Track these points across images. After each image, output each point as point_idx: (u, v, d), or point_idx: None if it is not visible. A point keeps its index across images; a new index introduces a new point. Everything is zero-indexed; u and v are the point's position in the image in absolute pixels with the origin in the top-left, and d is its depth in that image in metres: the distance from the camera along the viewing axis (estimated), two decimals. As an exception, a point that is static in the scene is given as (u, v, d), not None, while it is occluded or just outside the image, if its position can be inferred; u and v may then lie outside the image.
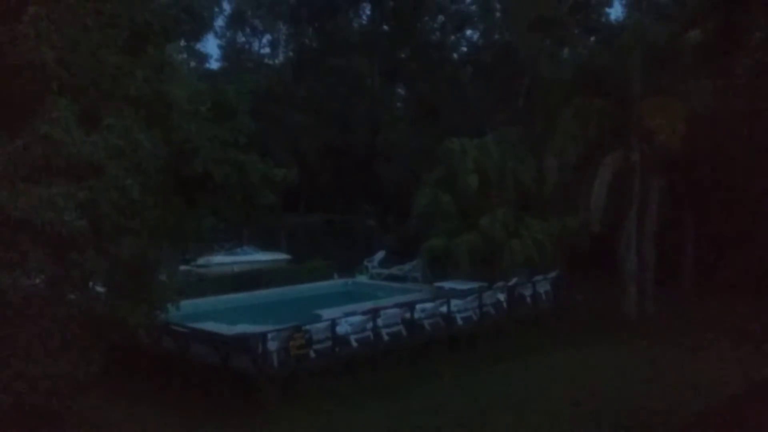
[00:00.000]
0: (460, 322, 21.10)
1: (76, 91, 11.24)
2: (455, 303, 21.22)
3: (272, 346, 16.48)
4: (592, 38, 43.01)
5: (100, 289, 12.98)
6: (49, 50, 10.68)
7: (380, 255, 32.28)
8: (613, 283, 24.30)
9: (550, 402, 15.87)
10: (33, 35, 10.63)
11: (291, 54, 55.55)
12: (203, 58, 50.45)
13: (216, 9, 50.21)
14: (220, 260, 34.08)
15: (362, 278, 29.61)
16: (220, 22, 52.41)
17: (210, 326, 18.43)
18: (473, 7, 50.98)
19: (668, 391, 16.04)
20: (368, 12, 52.69)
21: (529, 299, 23.86)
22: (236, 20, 54.21)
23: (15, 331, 11.47)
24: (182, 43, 18.09)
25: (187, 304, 16.51)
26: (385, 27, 51.70)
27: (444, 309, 20.78)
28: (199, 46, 45.62)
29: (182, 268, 27.24)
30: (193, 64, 45.05)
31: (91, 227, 10.10)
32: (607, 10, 46.48)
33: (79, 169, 10.25)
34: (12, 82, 11.38)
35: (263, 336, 16.39)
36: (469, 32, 52.18)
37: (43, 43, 10.63)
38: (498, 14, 49.03)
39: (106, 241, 11.07)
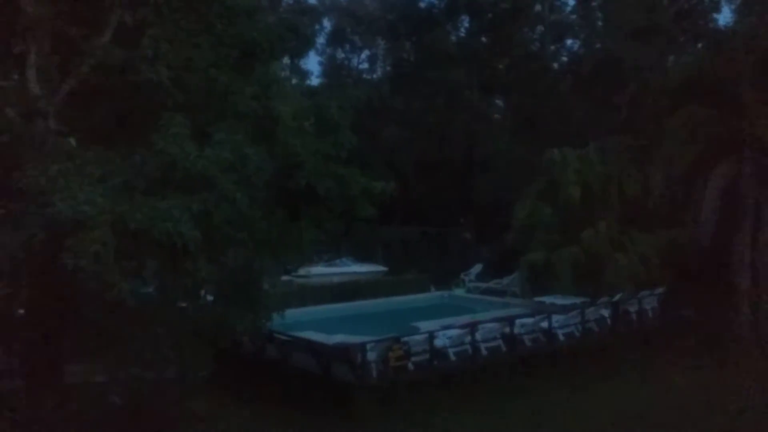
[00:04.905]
0: (561, 338, 20.60)
1: (189, 108, 11.78)
2: (557, 318, 20.74)
3: (371, 356, 16.63)
4: (700, 45, 41.37)
5: (209, 297, 13.52)
6: (166, 69, 11.29)
7: (477, 268, 32.03)
8: (724, 300, 23.12)
9: (657, 425, 15.27)
10: (151, 56, 11.27)
11: (389, 68, 56.23)
12: (304, 74, 51.90)
13: (317, 26, 51.52)
14: (320, 271, 34.83)
15: (459, 291, 29.44)
16: (320, 40, 53.73)
17: (310, 335, 18.79)
18: (573, 17, 50.08)
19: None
20: (466, 24, 52.66)
21: (634, 316, 23.02)
22: (336, 37, 55.45)
23: (131, 336, 12.13)
24: (286, 60, 18.67)
25: (288, 313, 16.90)
26: (483, 39, 51.51)
27: (545, 324, 20.35)
28: (300, 62, 47.04)
29: (284, 278, 28.11)
30: (295, 80, 46.46)
31: (204, 238, 10.54)
32: (715, 15, 44.63)
33: (192, 183, 10.71)
34: (131, 100, 12.11)
35: (363, 346, 16.56)
36: (569, 42, 51.27)
37: (160, 63, 11.24)
38: (599, 23, 47.93)
39: (216, 251, 11.53)
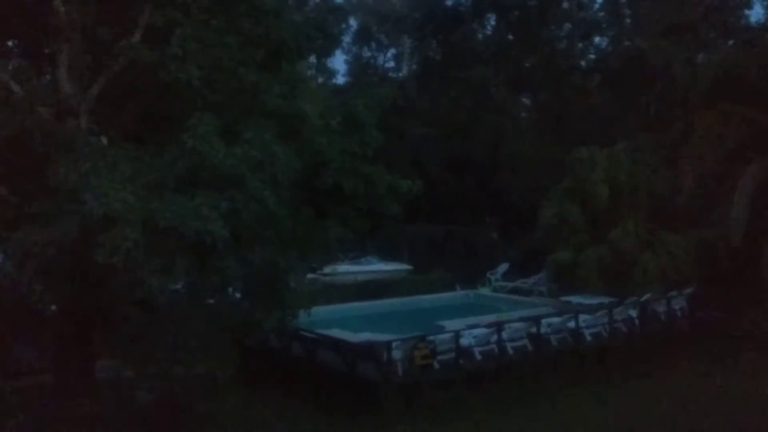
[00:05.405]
0: (588, 338, 20.42)
1: (217, 107, 11.91)
2: (584, 318, 20.58)
3: (397, 354, 16.63)
4: (730, 42, 40.76)
5: (237, 295, 13.63)
6: (195, 69, 11.40)
7: (503, 267, 31.83)
8: (755, 301, 22.76)
9: (684, 427, 15.08)
10: (181, 55, 11.39)
11: (415, 67, 56.13)
12: (331, 73, 52.02)
13: (343, 25, 51.56)
14: (345, 269, 34.85)
15: (485, 291, 29.28)
16: (346, 38, 53.73)
17: (336, 333, 18.85)
18: (601, 14, 49.55)
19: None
20: (493, 22, 52.37)
21: (663, 316, 22.75)
22: (362, 36, 55.50)
23: (160, 333, 12.28)
24: (312, 59, 18.72)
25: (314, 311, 16.99)
26: (510, 36, 51.19)
27: (572, 324, 20.21)
28: (326, 61, 47.06)
29: (310, 276, 28.24)
30: (321, 79, 46.60)
31: (232, 236, 10.64)
32: (747, 11, 43.90)
33: (221, 181, 10.83)
34: (161, 99, 12.26)
35: (388, 345, 16.57)
36: (597, 39, 50.71)
37: (189, 62, 11.36)
38: (628, 20, 47.41)
39: (244, 249, 11.63)
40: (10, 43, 13.59)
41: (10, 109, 11.21)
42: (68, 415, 13.06)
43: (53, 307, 12.72)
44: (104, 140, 11.30)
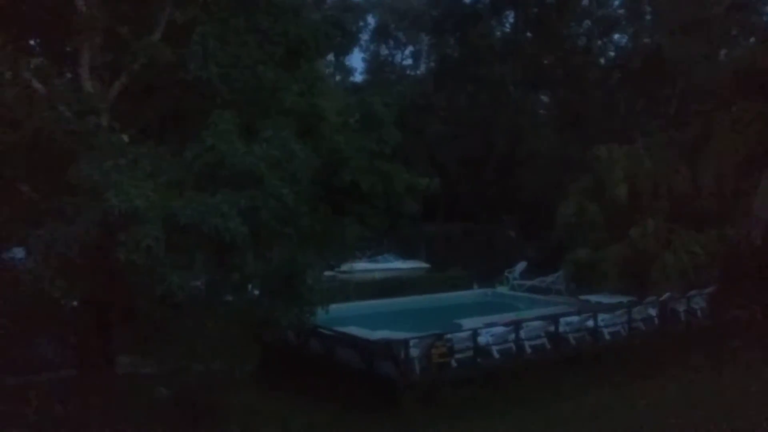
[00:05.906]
0: (607, 337, 20.32)
1: (236, 105, 11.97)
2: (602, 317, 20.48)
3: (414, 352, 16.65)
4: (752, 39, 40.32)
5: (255, 292, 13.68)
6: (215, 67, 11.48)
7: (521, 266, 31.70)
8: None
9: (702, 426, 14.94)
10: (200, 53, 11.46)
11: (432, 64, 56.08)
12: (348, 71, 52.18)
13: (361, 23, 51.64)
14: (363, 267, 34.88)
15: (503, 289, 29.21)
16: (364, 36, 53.85)
17: (353, 330, 18.88)
18: (621, 11, 49.23)
19: None
20: (511, 19, 52.19)
21: (683, 315, 22.58)
22: (380, 33, 55.57)
23: (179, 329, 12.38)
24: (331, 57, 18.80)
25: (332, 308, 17.03)
26: (529, 33, 50.98)
27: (590, 323, 20.11)
28: (344, 59, 47.18)
29: (327, 273, 28.26)
30: (339, 77, 46.72)
31: (251, 233, 10.70)
32: (770, 8, 43.41)
33: (240, 179, 10.89)
34: (181, 97, 12.35)
35: (406, 342, 16.59)
36: (616, 36, 50.40)
37: (209, 61, 11.44)
38: (648, 17, 47.04)
39: (263, 246, 11.69)
40: (32, 42, 13.71)
41: (32, 107, 11.32)
42: (89, 410, 13.19)
43: (74, 303, 12.84)
44: (125, 138, 11.40)
